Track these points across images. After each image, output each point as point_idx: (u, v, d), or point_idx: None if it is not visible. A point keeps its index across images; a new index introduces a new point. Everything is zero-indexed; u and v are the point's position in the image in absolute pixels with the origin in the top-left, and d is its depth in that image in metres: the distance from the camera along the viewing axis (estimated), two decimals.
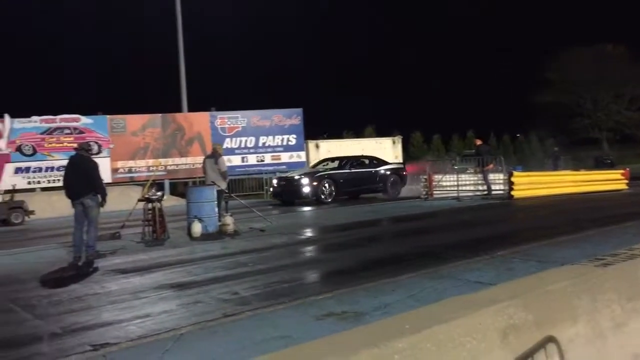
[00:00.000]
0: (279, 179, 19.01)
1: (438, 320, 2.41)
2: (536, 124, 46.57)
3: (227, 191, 12.38)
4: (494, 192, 16.76)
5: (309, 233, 11.16)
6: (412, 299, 5.44)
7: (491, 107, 51.26)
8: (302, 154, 25.37)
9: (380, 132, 31.36)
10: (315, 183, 17.42)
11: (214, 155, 12.59)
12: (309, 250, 9.25)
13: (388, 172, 19.60)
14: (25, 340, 4.96)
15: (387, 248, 9.31)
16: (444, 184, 17.80)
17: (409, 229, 11.66)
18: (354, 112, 37.26)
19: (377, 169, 19.50)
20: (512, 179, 16.21)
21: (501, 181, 16.90)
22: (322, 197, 17.36)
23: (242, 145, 23.98)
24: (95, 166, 9.24)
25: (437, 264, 7.13)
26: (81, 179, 9.02)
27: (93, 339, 4.87)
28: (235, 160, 23.69)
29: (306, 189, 17.29)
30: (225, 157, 13.25)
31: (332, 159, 20.22)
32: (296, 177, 18.11)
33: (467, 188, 17.71)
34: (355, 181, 18.36)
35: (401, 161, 24.60)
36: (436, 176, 18.12)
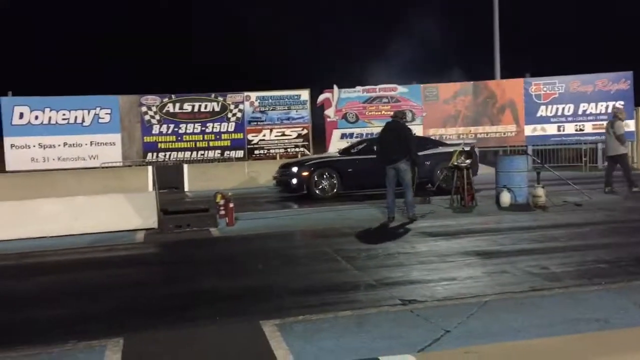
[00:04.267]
0: (281, 165, 15.76)
1: None
2: None
3: (538, 160, 11.79)
4: None
5: (637, 212, 9.84)
6: None
7: None
8: (631, 122, 22.46)
9: None
10: (305, 173, 13.81)
11: (613, 119, 12.53)
12: (635, 230, 8.17)
13: (432, 159, 13.67)
14: (348, 287, 5.60)
15: None
16: None
17: None
18: None
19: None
20: None
21: None
22: (317, 191, 13.74)
23: (559, 113, 22.32)
24: (410, 132, 9.76)
25: None
26: (396, 145, 9.59)
27: (402, 294, 5.23)
28: (551, 129, 22.27)
29: (294, 181, 13.96)
30: (622, 123, 12.54)
31: (362, 141, 16.19)
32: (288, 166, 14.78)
33: None
34: (367, 172, 12.64)
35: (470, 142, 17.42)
36: None
